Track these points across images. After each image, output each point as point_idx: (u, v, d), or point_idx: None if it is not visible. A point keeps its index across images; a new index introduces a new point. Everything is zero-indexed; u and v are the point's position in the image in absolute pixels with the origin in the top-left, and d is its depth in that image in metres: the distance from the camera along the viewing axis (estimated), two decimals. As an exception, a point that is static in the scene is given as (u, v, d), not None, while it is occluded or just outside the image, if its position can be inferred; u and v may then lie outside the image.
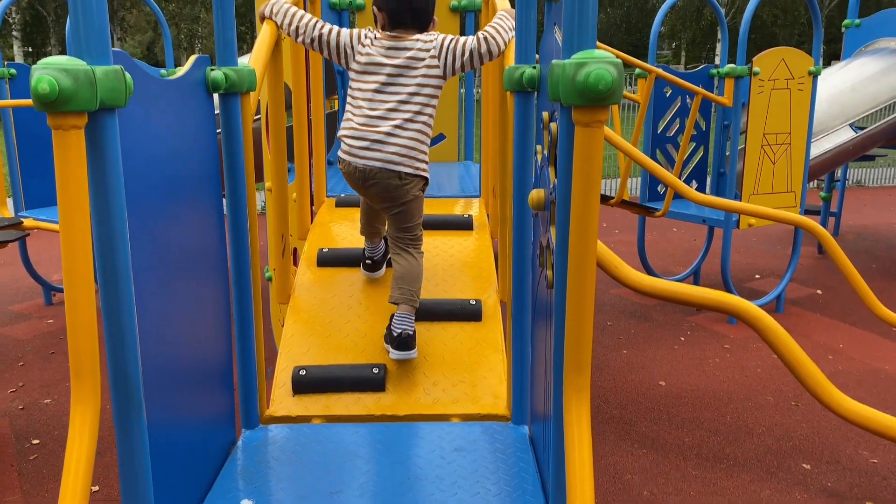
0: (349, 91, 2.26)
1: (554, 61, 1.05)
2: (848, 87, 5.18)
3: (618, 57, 4.26)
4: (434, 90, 2.19)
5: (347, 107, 2.26)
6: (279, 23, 2.20)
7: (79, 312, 1.04)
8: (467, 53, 2.15)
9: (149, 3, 5.00)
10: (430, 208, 3.01)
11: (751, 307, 2.65)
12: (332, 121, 4.24)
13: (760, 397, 3.66)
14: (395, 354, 2.09)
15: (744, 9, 28.64)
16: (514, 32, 2.01)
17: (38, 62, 0.98)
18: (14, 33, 25.04)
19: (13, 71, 4.49)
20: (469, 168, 4.20)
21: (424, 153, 2.22)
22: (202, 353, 1.67)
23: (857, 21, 5.80)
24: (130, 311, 1.14)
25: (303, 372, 2.07)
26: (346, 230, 2.78)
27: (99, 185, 1.08)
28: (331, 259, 2.51)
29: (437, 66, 2.17)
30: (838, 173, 6.68)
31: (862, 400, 3.60)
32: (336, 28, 2.24)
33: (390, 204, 2.22)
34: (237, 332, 1.87)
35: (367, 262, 2.45)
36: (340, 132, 2.27)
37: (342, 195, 3.06)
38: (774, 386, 3.77)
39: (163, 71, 5.14)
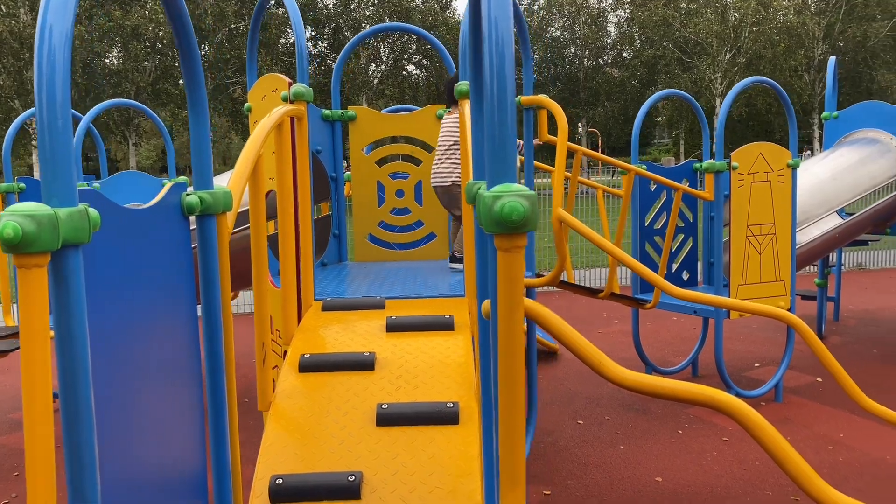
0: None
1: (479, 192, 1.15)
2: (829, 176, 5.32)
3: (598, 158, 4.42)
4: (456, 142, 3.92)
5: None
6: None
7: (37, 445, 1.10)
8: None
9: (151, 116, 5.27)
10: (414, 309, 3.08)
11: (733, 401, 2.66)
12: (327, 224, 4.38)
13: (759, 492, 3.59)
14: (453, 266, 3.88)
15: (739, 100, 29.52)
16: None
17: (7, 208, 1.08)
18: (34, 142, 26.06)
19: (22, 185, 4.71)
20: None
21: (455, 175, 3.90)
22: (173, 466, 1.71)
23: (836, 113, 6.01)
24: (90, 439, 1.20)
25: (279, 481, 2.08)
26: (331, 334, 2.84)
27: (62, 314, 1.16)
28: (313, 365, 2.56)
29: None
30: (833, 258, 6.75)
31: (861, 492, 3.54)
32: None
33: (451, 203, 3.93)
34: (212, 441, 1.91)
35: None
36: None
37: (329, 298, 3.14)
38: (773, 480, 3.70)
39: (166, 181, 5.36)
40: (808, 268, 9.08)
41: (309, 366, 2.56)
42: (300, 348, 2.69)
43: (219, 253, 1.89)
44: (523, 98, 3.67)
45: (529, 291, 3.84)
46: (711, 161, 4.49)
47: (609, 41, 34.34)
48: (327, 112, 4.22)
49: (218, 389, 1.89)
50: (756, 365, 5.75)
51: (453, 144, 3.91)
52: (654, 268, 5.17)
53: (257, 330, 2.50)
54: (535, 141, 3.97)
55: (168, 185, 1.72)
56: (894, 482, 3.65)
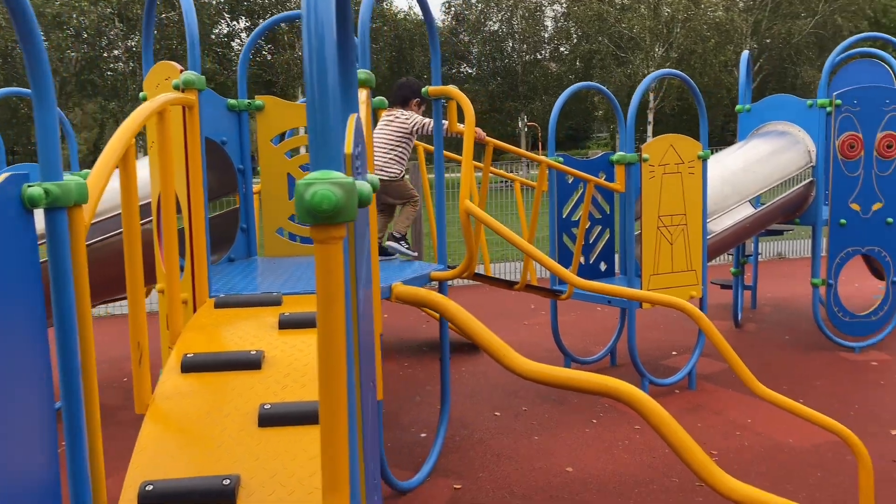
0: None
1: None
2: (741, 167, 5.44)
3: (509, 150, 4.41)
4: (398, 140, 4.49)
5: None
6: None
7: None
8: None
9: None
10: (313, 305, 3.00)
11: (631, 390, 2.68)
12: (234, 218, 4.24)
13: (666, 479, 3.64)
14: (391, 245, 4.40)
15: (671, 94, 30.12)
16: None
17: None
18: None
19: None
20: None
21: (395, 169, 4.47)
22: (15, 475, 1.59)
23: (748, 106, 6.16)
24: None
25: (150, 487, 1.98)
26: (219, 333, 2.73)
27: None
28: (196, 365, 2.45)
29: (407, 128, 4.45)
30: (750, 247, 6.94)
31: (764, 475, 3.64)
32: None
33: (387, 196, 4.55)
34: (68, 449, 1.80)
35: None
36: None
37: (222, 295, 3.03)
38: (680, 467, 3.75)
39: (69, 174, 5.11)
40: (727, 257, 9.33)
41: (192, 366, 2.45)
42: (184, 348, 2.57)
43: (73, 250, 1.78)
44: (430, 88, 3.62)
45: (442, 285, 3.80)
46: (622, 153, 4.52)
47: (546, 35, 34.69)
48: (233, 102, 4.08)
49: (73, 395, 1.78)
50: (673, 353, 5.86)
51: (401, 139, 4.48)
52: (570, 258, 5.20)
53: (132, 330, 2.38)
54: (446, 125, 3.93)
55: (3, 175, 1.60)
56: (795, 465, 3.76)
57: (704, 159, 4.74)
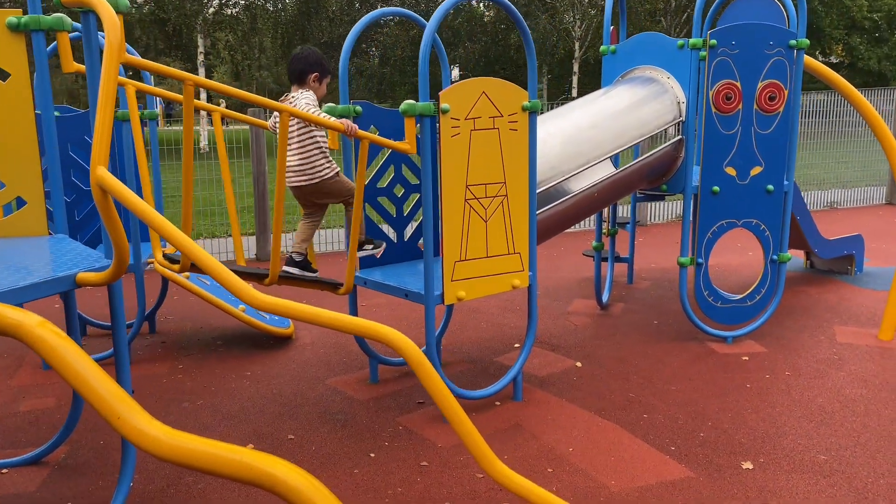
0: None
1: None
2: (588, 123, 4.40)
3: (219, 90, 3.22)
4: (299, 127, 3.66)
5: None
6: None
7: None
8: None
9: None
10: None
11: (280, 474, 1.73)
12: None
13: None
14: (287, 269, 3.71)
15: (596, 44, 29.00)
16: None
17: None
18: None
19: None
20: (62, 245, 3.04)
21: (321, 164, 3.72)
22: None
23: (613, 47, 5.11)
24: None
25: None
26: None
27: None
28: None
29: None
30: (624, 212, 5.99)
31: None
32: None
33: (328, 197, 3.84)
34: None
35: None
36: None
37: None
38: (454, 530, 2.77)
39: None
40: (589, 222, 8.42)
41: None
42: None
43: None
44: (63, -5, 2.41)
45: (113, 288, 2.65)
46: (411, 102, 3.39)
47: (471, -22, 32.99)
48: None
49: None
50: (515, 345, 4.88)
51: (305, 130, 3.65)
52: (380, 233, 4.12)
53: None
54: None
55: None
56: (605, 523, 2.82)
57: (532, 111, 3.67)
